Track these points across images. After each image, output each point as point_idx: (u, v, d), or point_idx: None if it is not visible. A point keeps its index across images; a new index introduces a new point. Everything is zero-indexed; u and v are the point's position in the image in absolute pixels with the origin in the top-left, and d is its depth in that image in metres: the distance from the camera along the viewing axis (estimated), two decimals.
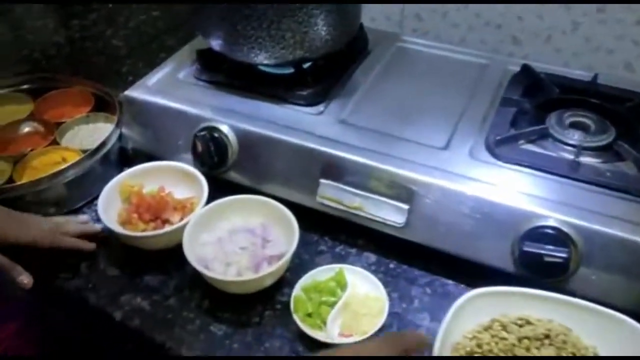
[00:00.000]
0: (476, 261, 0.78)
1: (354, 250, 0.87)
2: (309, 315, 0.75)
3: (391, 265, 0.84)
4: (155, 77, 0.98)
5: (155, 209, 0.85)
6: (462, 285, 0.81)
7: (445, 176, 0.79)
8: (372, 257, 0.85)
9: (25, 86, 1.06)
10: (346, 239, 0.88)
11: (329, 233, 0.89)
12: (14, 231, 0.78)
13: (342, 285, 0.78)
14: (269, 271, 0.75)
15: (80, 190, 0.92)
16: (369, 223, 0.83)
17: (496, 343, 0.64)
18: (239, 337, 0.75)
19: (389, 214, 0.80)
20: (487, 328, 0.67)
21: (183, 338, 0.75)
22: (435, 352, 0.63)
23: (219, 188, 0.88)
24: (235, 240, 0.83)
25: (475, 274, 0.80)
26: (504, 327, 0.66)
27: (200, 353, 0.74)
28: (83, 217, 0.89)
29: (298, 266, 0.81)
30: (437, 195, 0.78)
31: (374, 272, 0.81)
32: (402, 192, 0.79)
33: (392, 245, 0.85)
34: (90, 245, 0.84)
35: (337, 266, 0.80)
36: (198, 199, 0.87)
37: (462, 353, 0.65)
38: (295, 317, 0.74)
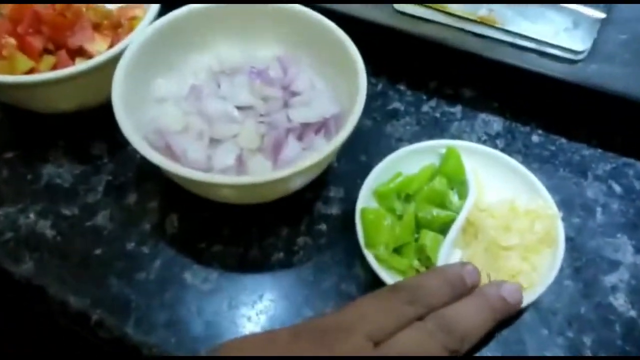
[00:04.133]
0: None
1: (457, 109, 0.45)
2: (398, 250, 0.35)
3: (534, 138, 0.43)
4: None
5: (56, 26, 0.41)
6: None
7: None
8: (496, 121, 0.44)
9: None
10: (439, 86, 0.46)
11: (404, 77, 0.46)
12: None
13: (460, 183, 0.38)
14: (308, 164, 0.33)
15: None
16: (502, 54, 0.40)
17: None
18: (246, 299, 0.36)
19: (555, 32, 0.37)
20: None
21: (133, 302, 0.35)
22: None
23: None
24: (226, 91, 0.40)
25: None
26: None
27: (168, 334, 0.34)
28: None
29: (353, 141, 0.40)
30: None
31: (506, 152, 0.40)
32: None
33: (532, 95, 0.43)
34: None
35: (441, 143, 0.39)
36: (143, 12, 0.43)
37: None
38: (370, 257, 0.34)
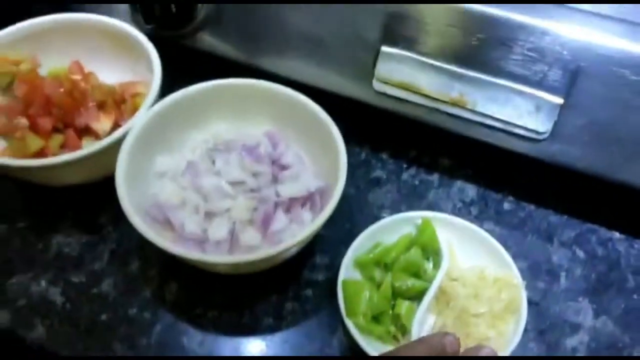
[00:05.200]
0: None
1: (434, 178, 0.48)
2: (376, 318, 0.39)
3: (506, 206, 0.47)
4: None
5: (64, 107, 0.45)
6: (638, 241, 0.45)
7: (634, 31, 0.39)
8: (471, 188, 0.48)
9: None
10: (418, 155, 0.49)
11: (386, 146, 0.50)
12: None
13: (434, 252, 0.41)
14: (298, 240, 0.37)
15: None
16: (474, 131, 0.44)
17: None
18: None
19: (519, 114, 0.41)
20: None
21: None
22: None
23: (183, 66, 0.47)
24: (220, 167, 0.43)
25: None
26: None
27: None
28: None
29: (338, 210, 0.43)
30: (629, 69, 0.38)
31: (477, 220, 0.44)
32: (551, 68, 0.40)
33: (502, 167, 0.47)
34: None
35: (417, 215, 0.43)
36: (145, 87, 0.46)
37: None
38: (350, 325, 0.38)
